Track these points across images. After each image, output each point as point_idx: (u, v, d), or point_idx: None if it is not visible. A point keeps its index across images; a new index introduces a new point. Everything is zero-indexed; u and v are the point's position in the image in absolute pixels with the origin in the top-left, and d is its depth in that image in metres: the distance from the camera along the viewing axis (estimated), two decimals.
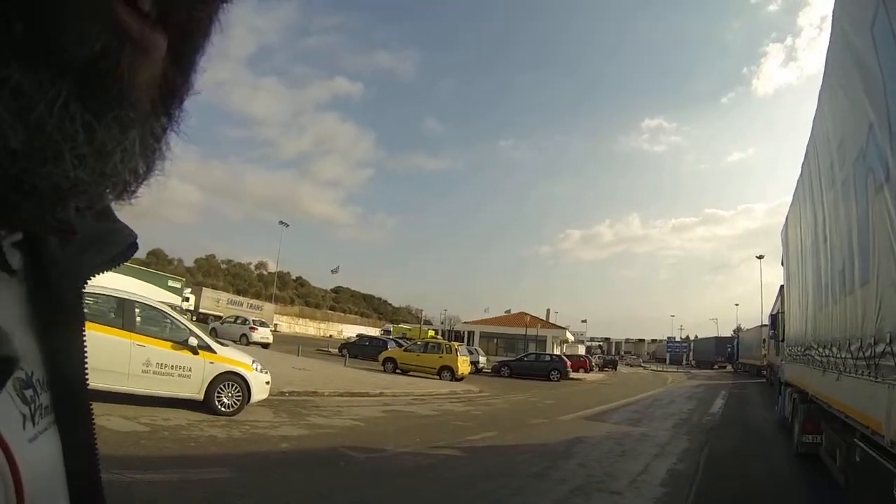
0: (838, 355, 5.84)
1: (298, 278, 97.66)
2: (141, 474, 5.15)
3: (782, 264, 13.65)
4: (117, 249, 0.52)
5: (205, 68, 0.42)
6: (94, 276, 0.52)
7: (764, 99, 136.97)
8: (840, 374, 5.74)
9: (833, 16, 5.64)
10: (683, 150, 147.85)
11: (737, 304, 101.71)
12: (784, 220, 12.68)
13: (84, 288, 0.51)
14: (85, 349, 0.52)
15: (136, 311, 8.38)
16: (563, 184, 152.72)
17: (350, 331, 70.09)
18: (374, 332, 59.69)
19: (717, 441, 11.65)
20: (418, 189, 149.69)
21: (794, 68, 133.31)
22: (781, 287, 15.10)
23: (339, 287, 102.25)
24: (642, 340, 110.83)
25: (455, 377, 22.64)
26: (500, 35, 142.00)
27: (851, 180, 5.11)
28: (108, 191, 0.39)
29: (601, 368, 48.62)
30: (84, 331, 0.52)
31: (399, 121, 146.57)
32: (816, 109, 7.24)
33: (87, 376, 0.52)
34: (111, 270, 0.53)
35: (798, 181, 9.60)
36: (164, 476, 5.23)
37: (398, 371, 23.34)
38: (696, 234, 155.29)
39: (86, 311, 0.53)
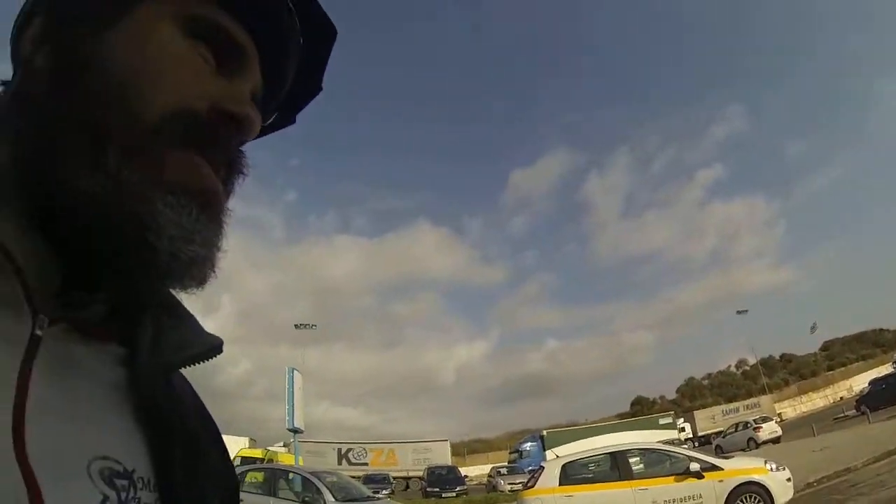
0: None
1: (783, 356, 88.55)
2: None
3: None
4: (199, 349, 0.51)
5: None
6: (177, 369, 0.51)
7: None
8: None
9: None
10: None
11: None
12: None
13: (170, 375, 0.50)
14: (214, 468, 0.51)
15: (630, 459, 9.06)
16: None
17: (859, 382, 56.85)
18: (884, 369, 47.13)
19: None
20: None
21: None
22: None
23: (827, 342, 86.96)
24: None
25: None
26: None
27: None
28: (209, 271, 0.46)
29: None
30: (200, 441, 0.50)
31: None
32: None
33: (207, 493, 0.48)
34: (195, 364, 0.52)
35: None
36: None
37: None
38: None
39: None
